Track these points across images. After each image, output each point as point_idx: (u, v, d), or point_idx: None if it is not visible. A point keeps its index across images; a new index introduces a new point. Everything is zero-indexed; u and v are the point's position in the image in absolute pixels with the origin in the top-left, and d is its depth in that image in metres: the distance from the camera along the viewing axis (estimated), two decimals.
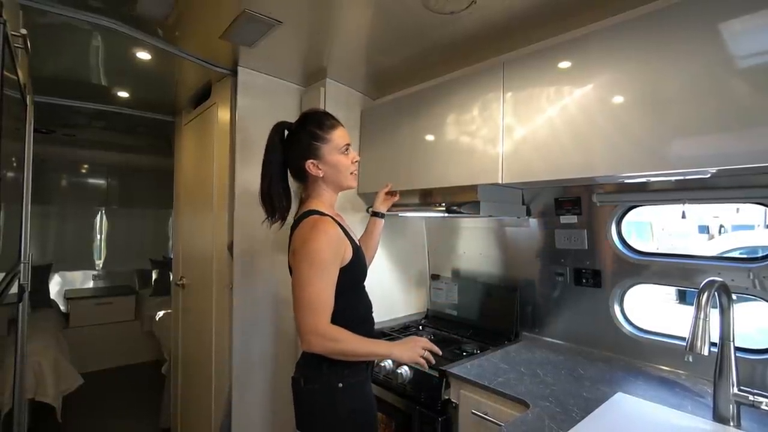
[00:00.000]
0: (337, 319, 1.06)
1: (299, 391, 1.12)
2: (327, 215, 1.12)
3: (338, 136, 1.17)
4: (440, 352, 1.18)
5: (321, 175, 1.17)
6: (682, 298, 3.93)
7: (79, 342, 3.60)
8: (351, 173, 1.20)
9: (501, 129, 1.35)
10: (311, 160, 1.15)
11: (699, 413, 1.06)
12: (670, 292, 4.01)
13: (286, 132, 1.19)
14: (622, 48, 1.11)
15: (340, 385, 1.09)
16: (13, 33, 0.86)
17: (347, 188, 1.23)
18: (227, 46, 1.63)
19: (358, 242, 1.21)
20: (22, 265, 1.42)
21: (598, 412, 1.04)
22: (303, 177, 1.19)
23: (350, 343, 1.06)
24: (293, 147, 1.17)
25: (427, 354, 1.15)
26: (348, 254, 1.11)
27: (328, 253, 1.05)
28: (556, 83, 1.24)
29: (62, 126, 3.15)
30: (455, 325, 1.95)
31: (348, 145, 1.19)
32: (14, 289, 1.35)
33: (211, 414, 2.00)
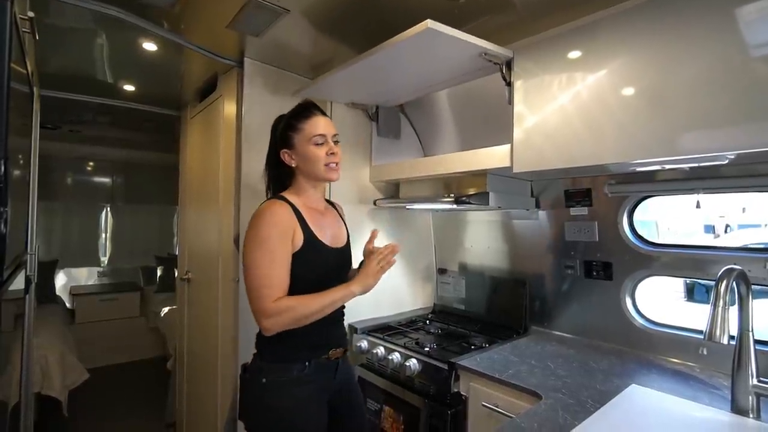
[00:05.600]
0: None
1: (240, 379, 1.15)
2: (284, 200, 1.12)
3: (311, 126, 1.15)
4: (397, 249, 1.12)
5: (294, 165, 1.18)
6: (691, 295, 3.89)
7: (84, 338, 3.60)
8: (326, 165, 1.14)
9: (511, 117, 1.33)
10: (285, 150, 1.17)
11: (716, 405, 1.03)
12: (678, 289, 3.97)
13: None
14: (636, 33, 1.09)
15: (264, 380, 1.08)
16: (21, 17, 0.85)
17: (324, 180, 1.19)
18: (233, 37, 1.62)
19: (328, 241, 1.16)
20: (28, 256, 1.41)
21: (613, 403, 1.02)
22: (283, 166, 1.20)
23: (305, 306, 1.03)
24: (275, 136, 1.21)
25: (384, 266, 1.09)
26: (298, 241, 1.09)
27: (272, 233, 1.04)
28: (567, 70, 1.22)
29: (68, 122, 3.15)
30: (463, 319, 1.93)
31: (322, 135, 1.14)
32: (21, 284, 1.34)
33: (217, 408, 1.99)
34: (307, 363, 1.10)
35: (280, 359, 1.10)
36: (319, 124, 1.15)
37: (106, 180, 4.43)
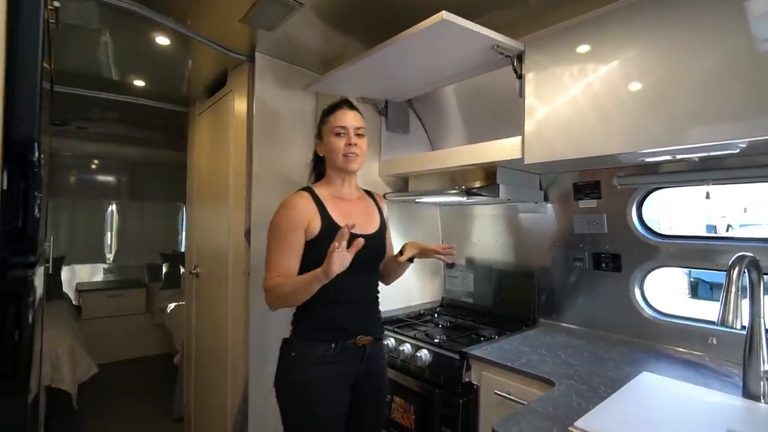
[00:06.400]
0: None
1: (279, 350, 1.22)
2: (307, 191, 1.21)
3: (334, 118, 1.24)
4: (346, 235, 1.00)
5: (322, 155, 1.28)
6: (694, 292, 3.90)
7: (91, 334, 3.62)
8: (344, 155, 1.21)
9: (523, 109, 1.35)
10: (317, 141, 1.30)
11: (727, 391, 1.05)
12: (682, 286, 3.98)
13: None
14: (646, 26, 1.11)
15: (293, 354, 1.17)
16: (48, 6, 0.86)
17: (344, 171, 1.25)
18: (245, 32, 1.63)
19: (346, 226, 1.14)
20: (45, 247, 1.43)
21: (626, 389, 1.03)
22: (318, 156, 1.31)
23: (284, 286, 1.10)
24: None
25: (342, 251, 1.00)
26: (315, 227, 1.16)
27: (283, 222, 1.15)
28: (578, 63, 1.23)
29: (76, 119, 3.17)
30: (471, 312, 1.95)
31: (342, 127, 1.21)
32: (41, 276, 1.36)
33: (227, 402, 2.00)
34: (333, 344, 1.16)
35: (307, 337, 1.17)
36: (341, 117, 1.22)
37: (112, 177, 4.46)
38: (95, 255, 4.40)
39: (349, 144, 1.21)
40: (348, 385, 1.19)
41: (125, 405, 2.97)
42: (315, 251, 1.14)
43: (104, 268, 4.45)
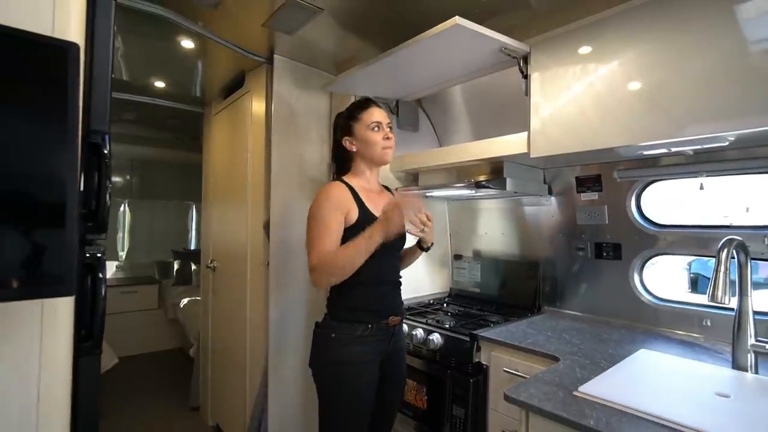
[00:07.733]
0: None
1: (314, 333, 1.32)
2: (342, 182, 1.30)
3: (368, 115, 1.33)
4: (420, 206, 1.22)
5: (355, 150, 1.35)
6: (695, 287, 3.98)
7: (106, 329, 3.71)
8: (383, 148, 1.32)
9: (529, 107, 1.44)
10: (347, 137, 1.36)
11: (718, 365, 1.14)
12: (683, 281, 4.06)
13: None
14: (643, 30, 1.20)
15: (333, 335, 1.25)
16: None
17: (381, 162, 1.36)
18: (264, 35, 1.73)
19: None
20: None
21: (625, 363, 1.13)
22: (345, 152, 1.38)
23: (340, 257, 1.16)
24: (337, 128, 1.41)
25: (413, 217, 1.17)
26: (353, 215, 1.24)
27: (325, 208, 1.22)
28: (580, 63, 1.32)
29: None
30: (479, 301, 2.04)
31: (378, 122, 1.32)
32: None
33: (245, 389, 2.09)
34: (370, 325, 1.25)
35: (346, 319, 1.26)
36: (374, 113, 1.33)
37: (123, 176, 4.57)
38: (108, 252, 4.49)
39: (386, 138, 1.32)
40: (378, 363, 1.29)
41: (143, 395, 3.08)
42: (353, 237, 1.21)
43: (117, 266, 4.55)
